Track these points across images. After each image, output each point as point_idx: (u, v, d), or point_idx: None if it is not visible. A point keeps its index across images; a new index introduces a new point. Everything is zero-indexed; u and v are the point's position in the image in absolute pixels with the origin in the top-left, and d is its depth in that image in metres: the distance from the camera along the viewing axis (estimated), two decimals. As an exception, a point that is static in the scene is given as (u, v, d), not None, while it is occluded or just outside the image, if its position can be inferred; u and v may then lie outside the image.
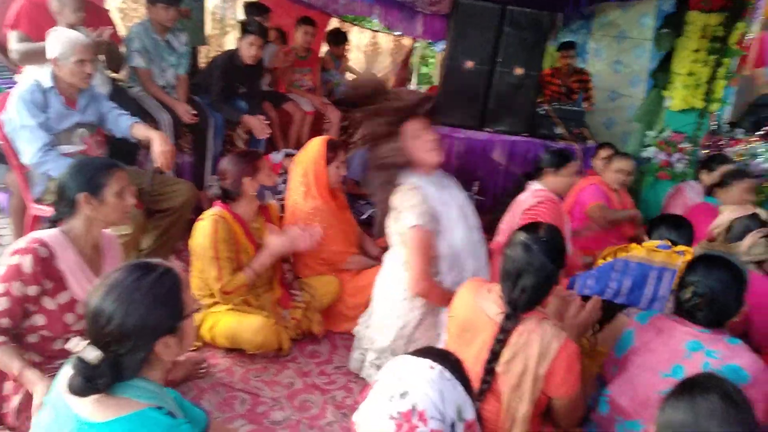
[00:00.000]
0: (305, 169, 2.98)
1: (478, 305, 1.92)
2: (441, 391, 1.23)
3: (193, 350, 2.61)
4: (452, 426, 1.22)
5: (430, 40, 7.69)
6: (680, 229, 2.70)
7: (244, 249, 2.60)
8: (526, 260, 1.79)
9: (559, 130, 4.64)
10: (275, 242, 2.66)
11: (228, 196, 2.61)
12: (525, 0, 4.41)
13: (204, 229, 2.48)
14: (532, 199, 3.07)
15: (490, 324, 1.86)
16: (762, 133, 4.32)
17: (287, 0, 5.73)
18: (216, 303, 2.60)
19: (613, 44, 5.95)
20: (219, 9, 5.95)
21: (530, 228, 1.89)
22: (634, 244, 2.54)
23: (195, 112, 3.80)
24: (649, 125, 4.40)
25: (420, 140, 2.43)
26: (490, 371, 1.84)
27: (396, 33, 7.56)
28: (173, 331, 1.33)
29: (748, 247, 2.56)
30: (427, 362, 1.29)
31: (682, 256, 2.33)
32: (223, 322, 2.56)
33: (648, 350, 1.89)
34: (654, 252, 2.37)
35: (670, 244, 2.42)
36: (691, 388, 1.35)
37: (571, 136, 4.63)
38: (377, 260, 2.90)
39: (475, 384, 1.84)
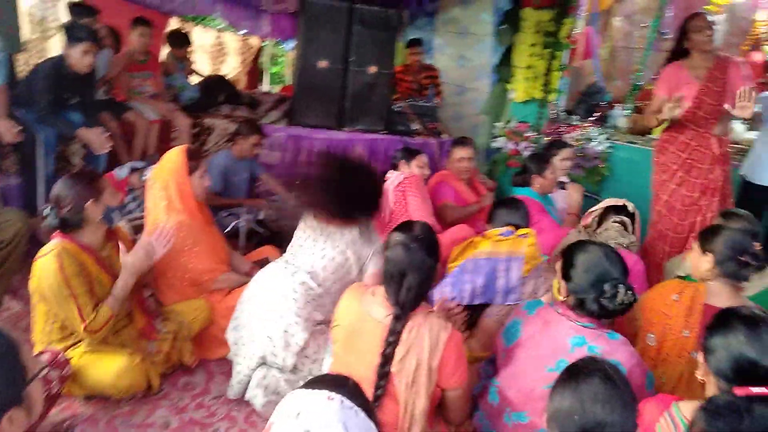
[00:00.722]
0: (165, 182, 2.72)
1: (364, 310, 1.91)
2: (344, 423, 1.15)
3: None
4: None
5: (278, 39, 7.51)
6: (518, 211, 2.73)
7: (98, 281, 2.30)
8: (408, 259, 1.82)
9: (416, 126, 4.75)
10: (131, 259, 2.38)
11: (68, 226, 2.28)
12: (373, -2, 4.45)
13: (47, 268, 2.15)
14: (398, 179, 3.22)
15: (378, 327, 1.85)
16: (594, 118, 4.75)
17: (118, -1, 5.26)
18: (68, 347, 2.28)
19: (456, 40, 6.20)
20: (38, 9, 5.30)
21: (404, 228, 1.93)
22: (478, 238, 2.61)
23: (19, 128, 3.33)
24: (496, 117, 4.65)
25: None
26: (383, 375, 1.83)
27: (242, 32, 7.29)
28: (18, 403, 1.11)
29: (604, 230, 2.79)
30: (324, 393, 1.20)
31: (525, 239, 2.46)
32: (78, 369, 2.25)
33: (534, 343, 1.96)
34: (499, 243, 2.45)
35: (513, 229, 2.52)
36: (575, 374, 1.41)
37: (428, 131, 4.77)
38: (248, 276, 2.73)
39: (369, 390, 1.81)
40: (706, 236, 2.35)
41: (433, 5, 6.01)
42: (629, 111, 4.69)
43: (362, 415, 1.22)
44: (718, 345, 1.51)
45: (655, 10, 5.05)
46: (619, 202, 2.94)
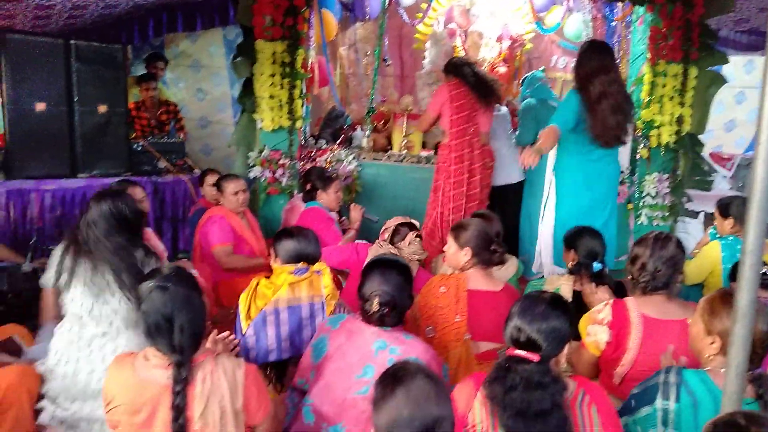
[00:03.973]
0: None
1: (142, 379, 1.73)
2: None
3: None
4: None
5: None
6: (308, 240, 2.51)
7: None
8: (170, 300, 1.72)
9: (162, 164, 4.49)
10: None
11: None
12: (89, 34, 4.10)
13: None
14: None
15: (165, 392, 1.69)
16: (340, 141, 5.06)
17: None
18: None
19: (189, 73, 6.05)
20: None
21: (151, 275, 1.83)
22: (264, 280, 2.40)
23: None
24: (249, 147, 4.64)
25: None
26: None
27: None
28: None
29: (407, 246, 3.06)
30: None
31: (320, 275, 2.40)
32: None
33: (341, 354, 2.01)
34: (296, 285, 2.33)
35: (306, 265, 2.42)
36: (399, 377, 1.42)
37: (177, 169, 4.55)
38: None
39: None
40: (460, 233, 2.69)
41: (159, 39, 5.77)
42: (369, 131, 5.10)
43: None
44: (509, 316, 1.74)
45: (375, 40, 5.58)
46: (407, 219, 3.23)
